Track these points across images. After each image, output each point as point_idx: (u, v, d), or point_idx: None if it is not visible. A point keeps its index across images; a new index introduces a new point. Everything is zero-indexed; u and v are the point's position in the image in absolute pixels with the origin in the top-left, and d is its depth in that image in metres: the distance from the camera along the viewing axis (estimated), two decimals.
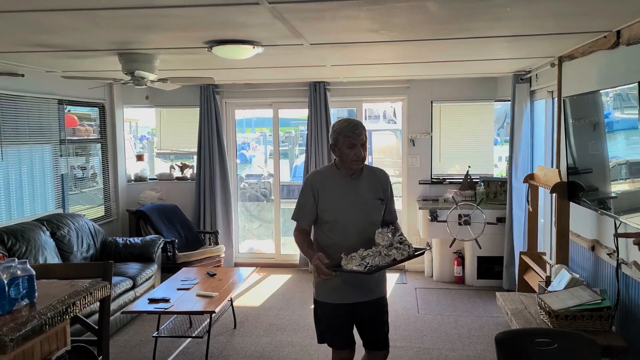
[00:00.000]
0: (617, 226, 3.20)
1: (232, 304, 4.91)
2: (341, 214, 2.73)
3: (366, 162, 2.83)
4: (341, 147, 2.71)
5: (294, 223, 2.81)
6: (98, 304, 2.54)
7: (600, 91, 3.29)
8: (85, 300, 1.99)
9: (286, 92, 6.63)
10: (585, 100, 3.57)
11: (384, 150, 8.65)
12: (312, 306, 2.93)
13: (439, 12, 2.82)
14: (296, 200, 2.84)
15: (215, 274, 4.78)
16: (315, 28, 3.19)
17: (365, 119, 7.52)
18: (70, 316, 1.93)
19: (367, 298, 2.82)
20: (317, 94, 6.40)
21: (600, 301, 3.12)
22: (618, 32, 3.27)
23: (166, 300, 4.04)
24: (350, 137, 2.68)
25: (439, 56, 4.51)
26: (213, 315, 4.01)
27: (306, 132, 6.56)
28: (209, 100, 6.58)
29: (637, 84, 2.68)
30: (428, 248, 2.46)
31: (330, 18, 2.94)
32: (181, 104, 6.85)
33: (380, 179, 2.87)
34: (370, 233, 2.67)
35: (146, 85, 4.24)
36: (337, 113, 8.51)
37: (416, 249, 2.69)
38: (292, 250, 6.95)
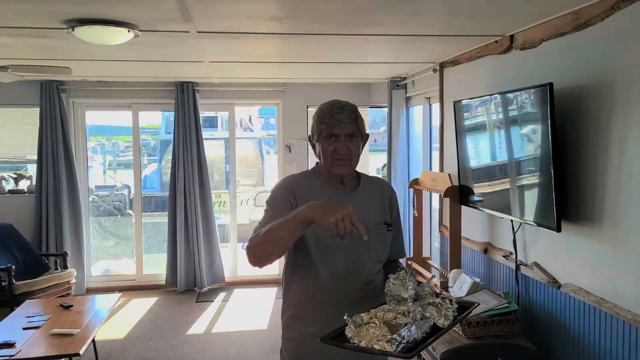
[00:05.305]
0: (516, 230, 3.23)
1: (93, 339, 4.12)
2: (330, 244, 1.72)
3: (363, 172, 1.98)
4: (320, 141, 1.80)
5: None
6: None
7: (490, 97, 3.32)
8: None
9: (148, 92, 5.93)
10: (474, 106, 3.60)
11: (240, 159, 8.26)
12: None
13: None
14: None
15: (71, 306, 3.96)
16: (211, 11, 2.72)
17: (241, 126, 7.08)
18: None
19: None
20: (184, 95, 5.81)
21: (507, 305, 3.11)
22: (511, 36, 3.33)
23: (10, 345, 3.19)
24: (329, 123, 1.76)
25: (322, 56, 4.28)
26: (77, 358, 3.26)
27: (172, 136, 5.92)
28: (52, 99, 5.61)
29: (547, 85, 2.68)
30: (477, 304, 1.66)
31: None
32: (14, 103, 5.75)
33: (385, 194, 1.96)
34: (373, 276, 1.82)
35: None
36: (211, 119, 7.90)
37: (459, 304, 1.61)
38: (156, 269, 6.20)
